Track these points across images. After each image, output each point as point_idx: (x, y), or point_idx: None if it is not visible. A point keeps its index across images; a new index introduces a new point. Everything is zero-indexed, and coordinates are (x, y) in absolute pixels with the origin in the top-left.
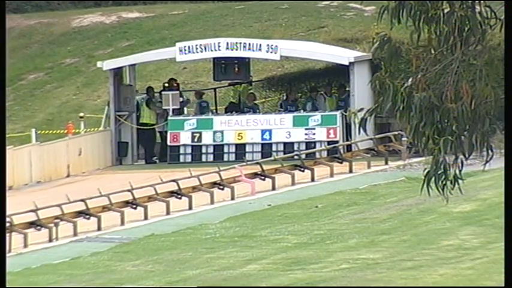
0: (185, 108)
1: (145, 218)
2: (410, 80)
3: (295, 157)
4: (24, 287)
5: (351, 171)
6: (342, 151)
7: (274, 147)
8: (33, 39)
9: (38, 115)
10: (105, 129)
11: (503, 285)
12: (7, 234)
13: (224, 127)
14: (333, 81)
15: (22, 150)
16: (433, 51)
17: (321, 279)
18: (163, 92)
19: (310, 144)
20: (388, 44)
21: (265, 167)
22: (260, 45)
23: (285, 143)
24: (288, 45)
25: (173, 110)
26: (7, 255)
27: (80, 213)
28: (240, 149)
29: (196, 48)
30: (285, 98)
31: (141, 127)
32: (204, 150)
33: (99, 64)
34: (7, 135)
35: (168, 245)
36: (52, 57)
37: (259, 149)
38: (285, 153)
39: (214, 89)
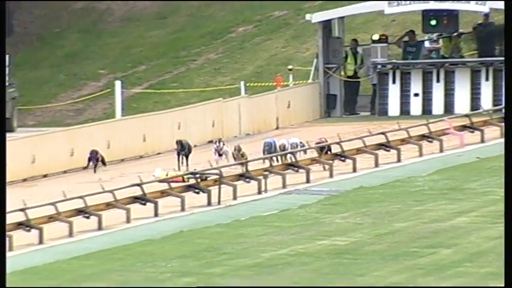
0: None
1: (354, 170)
2: None
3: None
4: (28, 287)
5: None
6: None
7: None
8: None
9: (247, 67)
10: (314, 82)
11: (503, 285)
12: (217, 187)
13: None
14: None
15: (232, 103)
16: None
17: None
18: (371, 45)
19: None
20: None
21: (473, 120)
22: None
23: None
24: None
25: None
26: (216, 207)
27: (289, 166)
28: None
29: (406, 1)
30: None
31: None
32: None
33: (307, 17)
34: (216, 88)
35: (377, 198)
36: (261, 10)
37: (468, 102)
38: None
39: (422, 41)
